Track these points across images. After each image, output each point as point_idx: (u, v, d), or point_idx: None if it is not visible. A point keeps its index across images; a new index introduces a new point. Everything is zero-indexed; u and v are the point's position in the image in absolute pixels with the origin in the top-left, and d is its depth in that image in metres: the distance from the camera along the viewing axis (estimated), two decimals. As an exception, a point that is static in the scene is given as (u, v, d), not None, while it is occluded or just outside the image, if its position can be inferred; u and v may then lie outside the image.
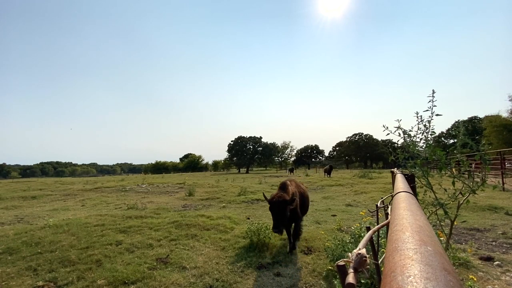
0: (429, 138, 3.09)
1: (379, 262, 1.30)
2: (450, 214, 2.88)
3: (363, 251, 0.58)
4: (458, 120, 49.23)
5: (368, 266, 0.59)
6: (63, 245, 4.74)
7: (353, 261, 0.57)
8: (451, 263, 0.47)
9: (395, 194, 1.42)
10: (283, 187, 4.27)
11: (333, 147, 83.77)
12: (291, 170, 36.02)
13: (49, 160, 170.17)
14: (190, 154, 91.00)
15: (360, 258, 0.57)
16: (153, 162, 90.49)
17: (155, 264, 3.94)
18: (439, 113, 3.02)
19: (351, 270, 0.55)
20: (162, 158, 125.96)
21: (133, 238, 5.14)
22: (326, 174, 23.34)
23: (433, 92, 2.97)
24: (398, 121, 3.23)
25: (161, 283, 3.36)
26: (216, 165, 77.68)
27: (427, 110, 3.02)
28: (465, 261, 3.57)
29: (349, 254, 0.62)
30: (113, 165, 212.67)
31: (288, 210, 3.85)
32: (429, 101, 2.98)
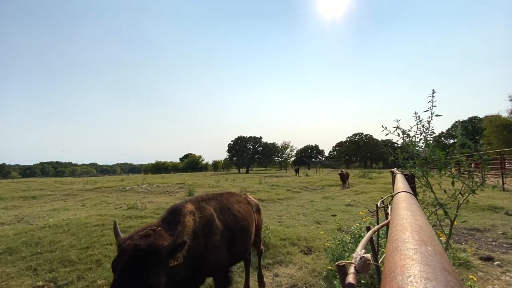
0: (428, 138, 3.08)
1: (379, 262, 1.31)
2: (450, 214, 2.89)
3: (368, 255, 0.58)
4: (458, 120, 49.25)
5: (370, 271, 0.59)
6: (63, 245, 4.74)
7: (355, 263, 0.57)
8: (451, 263, 0.47)
9: (395, 194, 1.42)
10: (173, 215, 2.05)
11: (333, 147, 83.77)
12: (297, 171, 35.07)
13: (49, 160, 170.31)
14: (190, 154, 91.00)
15: (364, 262, 0.57)
16: (153, 162, 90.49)
17: (155, 264, 3.94)
18: (439, 114, 3.02)
19: (351, 270, 0.55)
20: (162, 158, 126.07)
21: (133, 238, 5.13)
22: (343, 183, 15.80)
23: (433, 92, 2.95)
24: (397, 121, 3.22)
25: (161, 283, 3.35)
26: (216, 165, 77.69)
27: (426, 111, 3.01)
28: (465, 261, 3.57)
29: (353, 255, 0.62)
30: (113, 165, 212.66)
31: (163, 271, 1.62)
32: (429, 101, 2.97)
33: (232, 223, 2.52)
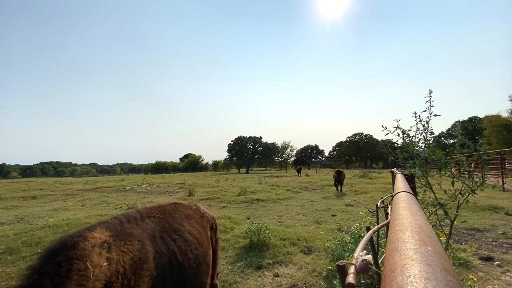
0: (428, 138, 3.08)
1: (379, 262, 1.31)
2: (450, 214, 2.88)
3: (369, 257, 0.58)
4: (458, 120, 49.24)
5: (370, 272, 0.59)
6: (63, 245, 4.74)
7: (357, 265, 0.57)
8: (451, 263, 0.47)
9: (395, 194, 1.42)
10: (53, 259, 1.03)
11: (333, 147, 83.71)
12: (299, 171, 33.60)
13: (49, 160, 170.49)
14: (190, 154, 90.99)
15: (366, 265, 0.57)
16: (153, 162, 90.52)
17: (155, 264, 3.94)
18: (438, 114, 3.02)
19: (351, 271, 0.55)
20: (162, 158, 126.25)
21: (133, 238, 5.13)
22: (337, 186, 12.96)
23: (430, 92, 2.95)
24: (397, 121, 3.22)
25: (161, 283, 3.35)
26: (216, 165, 77.69)
27: (425, 111, 3.01)
28: (465, 261, 3.57)
29: (354, 255, 0.62)
30: (113, 165, 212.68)
31: None
32: (427, 101, 2.97)
33: (182, 255, 1.61)
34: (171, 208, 1.89)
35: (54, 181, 24.03)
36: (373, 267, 0.57)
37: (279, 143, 71.55)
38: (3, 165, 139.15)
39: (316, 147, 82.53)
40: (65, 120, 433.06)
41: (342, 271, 0.59)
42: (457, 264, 3.50)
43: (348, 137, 76.52)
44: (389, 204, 1.70)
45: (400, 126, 3.19)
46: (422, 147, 3.14)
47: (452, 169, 2.98)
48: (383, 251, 2.29)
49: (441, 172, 2.97)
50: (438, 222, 3.01)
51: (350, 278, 0.52)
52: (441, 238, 3.25)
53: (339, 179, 12.64)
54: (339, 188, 12.81)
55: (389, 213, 1.34)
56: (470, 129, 46.13)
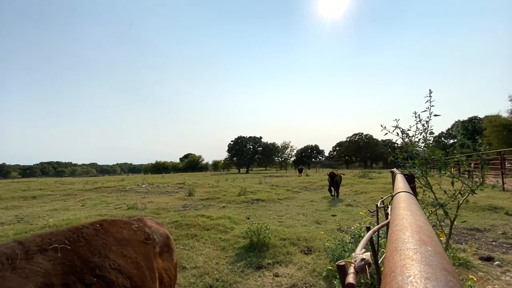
0: (428, 138, 3.08)
1: (379, 262, 1.31)
2: (450, 214, 2.88)
3: (368, 255, 0.58)
4: (458, 120, 49.26)
5: (370, 271, 0.59)
6: (63, 245, 4.74)
7: (356, 264, 0.57)
8: (451, 263, 0.47)
9: (395, 194, 1.42)
10: None
11: (333, 147, 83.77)
12: (300, 171, 31.67)
13: (49, 160, 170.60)
14: (190, 154, 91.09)
15: (365, 264, 0.57)
16: (153, 162, 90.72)
17: (155, 264, 3.94)
18: (438, 114, 3.01)
19: (351, 270, 0.55)
20: (162, 158, 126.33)
21: (133, 238, 5.13)
22: (333, 189, 11.18)
23: (430, 92, 2.95)
24: (396, 120, 3.22)
25: (161, 283, 3.35)
26: (216, 165, 77.78)
27: (425, 111, 3.01)
28: (465, 261, 3.57)
29: (353, 254, 0.62)
30: (113, 165, 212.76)
31: None
32: (426, 101, 2.97)
33: None
34: (91, 231, 1.21)
35: (54, 181, 24.04)
36: (372, 265, 0.57)
37: (279, 143, 71.62)
38: (3, 165, 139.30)
39: (316, 147, 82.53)
40: (65, 120, 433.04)
41: (342, 271, 0.59)
42: (457, 264, 3.50)
43: (348, 137, 76.64)
44: (389, 204, 1.70)
45: (399, 126, 3.19)
46: (422, 147, 3.14)
47: (452, 169, 2.97)
48: (383, 251, 2.29)
49: (441, 172, 2.97)
50: (438, 222, 3.01)
51: (350, 278, 0.52)
52: (441, 238, 3.25)
53: (332, 183, 10.94)
54: (334, 193, 11.02)
55: (389, 213, 1.34)
56: (470, 129, 46.12)
